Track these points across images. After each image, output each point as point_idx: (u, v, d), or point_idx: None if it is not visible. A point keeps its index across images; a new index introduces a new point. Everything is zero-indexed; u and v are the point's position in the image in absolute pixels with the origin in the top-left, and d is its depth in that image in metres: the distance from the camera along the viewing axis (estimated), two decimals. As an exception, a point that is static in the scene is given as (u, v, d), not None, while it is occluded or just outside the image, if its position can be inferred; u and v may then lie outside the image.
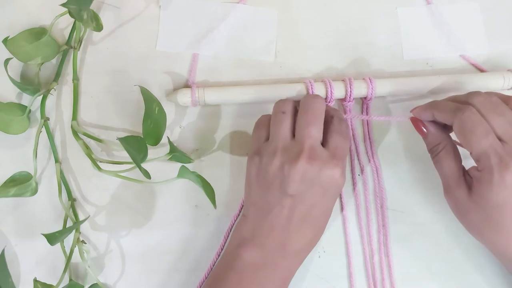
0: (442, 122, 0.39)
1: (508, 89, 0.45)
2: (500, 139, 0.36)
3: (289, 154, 0.37)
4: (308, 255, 0.40)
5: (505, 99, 0.38)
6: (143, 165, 0.39)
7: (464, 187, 0.38)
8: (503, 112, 0.36)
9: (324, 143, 0.39)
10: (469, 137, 0.36)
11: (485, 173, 0.36)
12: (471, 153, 0.37)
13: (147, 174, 0.39)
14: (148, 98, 0.42)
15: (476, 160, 0.36)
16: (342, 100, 0.45)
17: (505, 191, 0.35)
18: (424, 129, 0.41)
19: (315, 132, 0.38)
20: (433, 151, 0.40)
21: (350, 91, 0.44)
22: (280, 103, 0.41)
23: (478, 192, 0.36)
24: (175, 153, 0.42)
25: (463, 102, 0.38)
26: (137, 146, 0.39)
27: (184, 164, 0.42)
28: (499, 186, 0.35)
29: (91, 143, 0.44)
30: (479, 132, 0.36)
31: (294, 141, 0.38)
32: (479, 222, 0.37)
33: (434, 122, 0.40)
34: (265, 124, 0.41)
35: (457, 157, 0.39)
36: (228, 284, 0.37)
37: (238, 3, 0.48)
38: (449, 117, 0.38)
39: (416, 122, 0.41)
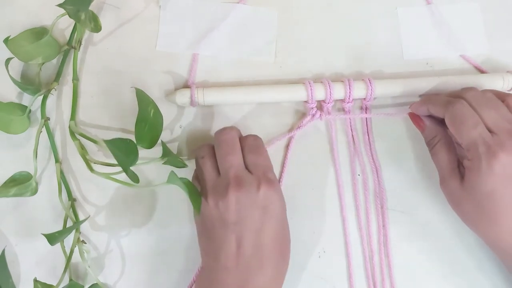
0: (437, 115, 0.40)
1: (508, 90, 0.45)
2: (490, 131, 0.36)
3: (219, 190, 0.37)
4: None
5: (501, 96, 0.39)
6: (141, 167, 0.38)
7: (457, 178, 0.39)
8: (495, 106, 0.37)
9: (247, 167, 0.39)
10: (459, 128, 0.37)
11: (474, 162, 0.36)
12: (461, 144, 0.38)
13: (135, 178, 0.39)
14: (143, 100, 0.41)
15: (467, 150, 0.37)
16: (342, 101, 0.45)
17: (493, 179, 0.36)
18: (421, 124, 0.42)
19: (234, 160, 0.38)
20: (430, 144, 0.42)
21: (350, 92, 0.44)
22: (197, 150, 0.41)
23: (469, 181, 0.37)
24: (168, 157, 0.41)
25: (456, 96, 0.39)
26: (126, 149, 0.37)
27: (179, 168, 0.41)
28: (487, 174, 0.36)
29: (90, 143, 0.44)
30: (469, 123, 0.37)
31: (220, 177, 0.38)
32: (472, 212, 0.38)
33: (431, 116, 0.42)
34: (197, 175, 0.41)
35: (452, 149, 0.40)
36: None
37: (238, 3, 0.48)
38: (442, 110, 0.39)
39: (414, 117, 0.43)
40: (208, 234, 0.38)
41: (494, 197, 0.36)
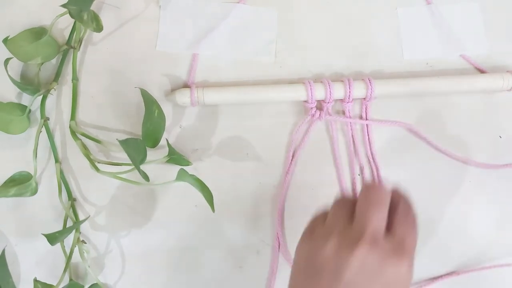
0: None
1: (508, 90, 0.45)
2: None
3: (347, 238, 0.32)
4: None
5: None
6: (142, 167, 0.39)
7: None
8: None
9: (387, 234, 0.33)
10: None
11: None
12: None
13: (145, 177, 0.39)
14: (148, 101, 0.42)
15: None
16: (342, 100, 0.45)
17: None
18: None
19: (377, 217, 0.32)
20: None
21: (349, 92, 0.44)
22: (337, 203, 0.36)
23: None
24: (173, 156, 0.42)
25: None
26: (136, 148, 0.39)
27: (183, 167, 0.42)
28: None
29: (89, 143, 0.44)
30: None
31: (353, 226, 0.33)
32: None
33: None
34: (325, 213, 0.36)
35: None
36: None
37: (238, 3, 0.48)
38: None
39: None
40: (311, 277, 0.33)
41: None
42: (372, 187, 0.34)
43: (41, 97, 0.44)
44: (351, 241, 0.31)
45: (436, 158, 0.46)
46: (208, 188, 0.41)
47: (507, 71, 0.45)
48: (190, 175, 0.40)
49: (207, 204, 0.41)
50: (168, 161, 0.42)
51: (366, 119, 0.46)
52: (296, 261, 0.35)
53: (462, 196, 0.45)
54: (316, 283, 0.32)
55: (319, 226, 0.35)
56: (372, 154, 0.45)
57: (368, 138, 0.46)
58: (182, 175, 0.40)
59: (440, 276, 0.44)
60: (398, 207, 0.34)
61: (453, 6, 0.48)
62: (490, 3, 0.48)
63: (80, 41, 0.46)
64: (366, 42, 0.48)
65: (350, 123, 0.46)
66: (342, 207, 0.35)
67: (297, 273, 0.34)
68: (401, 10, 0.48)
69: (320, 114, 0.45)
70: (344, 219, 0.34)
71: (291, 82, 0.46)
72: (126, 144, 0.37)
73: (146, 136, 0.41)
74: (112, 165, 0.41)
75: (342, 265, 0.31)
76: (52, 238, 0.38)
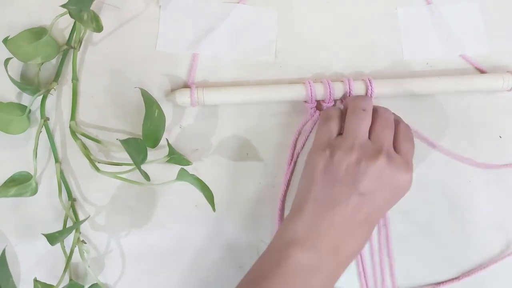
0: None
1: (508, 90, 0.45)
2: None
3: (368, 151, 0.37)
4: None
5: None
6: (143, 166, 0.39)
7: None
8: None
9: (394, 149, 0.39)
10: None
11: None
12: None
13: (146, 176, 0.39)
14: (148, 100, 0.42)
15: None
16: (342, 101, 0.45)
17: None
18: None
19: (390, 136, 0.39)
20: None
21: (350, 92, 0.44)
22: (360, 100, 0.41)
23: None
24: (173, 156, 0.42)
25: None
26: (137, 148, 0.39)
27: (183, 166, 0.42)
28: None
29: (89, 143, 0.44)
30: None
31: (371, 141, 0.38)
32: None
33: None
34: (336, 118, 0.41)
35: None
36: (273, 285, 0.35)
37: (238, 3, 0.48)
38: None
39: None
40: (329, 184, 0.37)
41: None
42: (381, 112, 0.40)
43: (41, 97, 0.44)
44: (372, 153, 0.37)
45: (435, 158, 0.46)
46: (208, 188, 0.41)
47: (507, 71, 0.45)
48: (191, 174, 0.40)
49: (207, 204, 0.41)
50: (168, 161, 0.42)
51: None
52: (312, 171, 0.38)
53: (462, 196, 0.45)
54: (334, 191, 0.37)
55: (336, 138, 0.39)
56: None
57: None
58: (182, 175, 0.40)
59: (442, 282, 0.44)
60: (398, 127, 0.40)
61: (453, 6, 0.48)
62: (490, 3, 0.48)
63: (80, 41, 0.46)
64: (366, 42, 0.48)
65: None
66: (358, 121, 0.39)
67: (313, 181, 0.38)
68: (401, 10, 0.48)
69: (320, 114, 0.45)
70: (364, 132, 0.38)
71: (291, 82, 0.46)
72: (127, 143, 0.37)
73: (147, 136, 0.41)
74: (112, 165, 0.42)
75: (361, 174, 0.36)
76: (52, 238, 0.38)
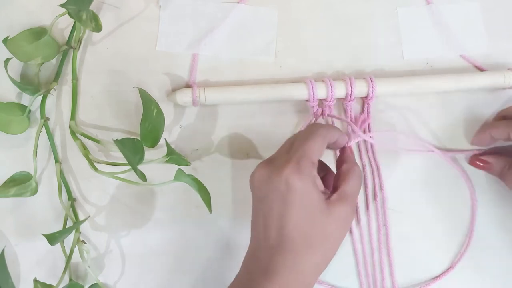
0: (500, 137, 0.42)
1: (509, 88, 0.45)
2: None
3: (276, 163, 0.36)
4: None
5: None
6: (141, 166, 0.39)
7: None
8: None
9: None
10: None
11: None
12: None
13: (143, 177, 0.39)
14: (147, 100, 0.41)
15: None
16: (343, 99, 0.45)
17: None
18: (486, 165, 0.44)
19: (310, 147, 0.35)
20: (503, 175, 0.43)
21: (351, 90, 0.44)
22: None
23: None
24: (172, 156, 0.41)
25: None
26: (133, 148, 0.38)
27: (181, 167, 0.42)
28: None
29: (89, 143, 0.44)
30: None
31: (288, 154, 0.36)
32: None
33: (486, 153, 0.44)
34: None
35: None
36: None
37: (238, 3, 0.48)
38: (507, 130, 0.41)
39: (475, 162, 0.44)
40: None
41: None
42: (313, 124, 0.39)
43: (41, 97, 0.44)
44: (279, 165, 0.35)
45: (435, 157, 0.46)
46: (205, 188, 0.41)
47: (508, 69, 0.45)
48: (188, 175, 0.40)
49: (206, 204, 0.41)
50: (167, 161, 0.42)
51: (368, 118, 0.46)
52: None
53: (462, 196, 0.45)
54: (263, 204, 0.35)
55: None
56: (373, 153, 0.45)
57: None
58: (180, 176, 0.39)
59: (438, 276, 0.44)
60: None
61: (453, 6, 0.48)
62: (490, 3, 0.48)
63: (80, 41, 0.46)
64: (366, 42, 0.48)
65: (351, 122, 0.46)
66: (287, 141, 0.38)
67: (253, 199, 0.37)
68: (401, 10, 0.48)
69: (322, 113, 0.45)
70: (282, 148, 0.37)
71: (292, 81, 0.46)
72: (121, 144, 0.37)
73: (145, 136, 0.41)
74: (111, 165, 0.41)
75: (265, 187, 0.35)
76: (52, 238, 0.38)
